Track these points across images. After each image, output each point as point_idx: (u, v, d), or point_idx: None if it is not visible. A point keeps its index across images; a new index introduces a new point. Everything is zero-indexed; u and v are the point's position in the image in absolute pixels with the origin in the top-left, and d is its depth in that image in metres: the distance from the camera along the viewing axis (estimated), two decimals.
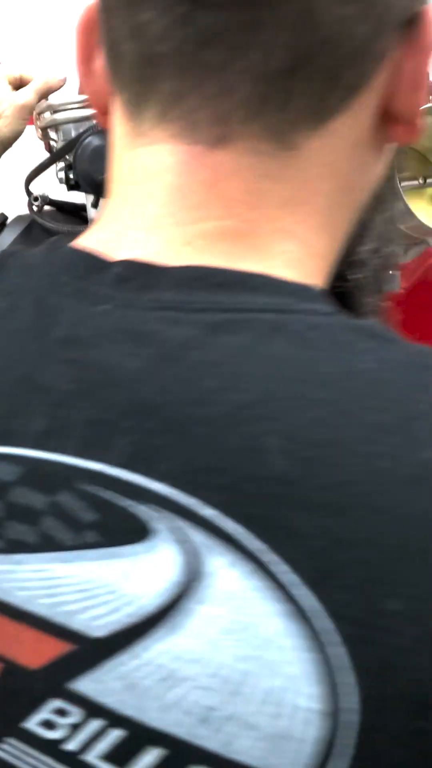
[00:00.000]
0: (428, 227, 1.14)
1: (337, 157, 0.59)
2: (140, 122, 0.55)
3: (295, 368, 0.47)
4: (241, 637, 0.40)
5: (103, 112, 0.59)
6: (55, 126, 1.35)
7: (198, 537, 0.41)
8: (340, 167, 0.60)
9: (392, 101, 0.60)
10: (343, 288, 0.70)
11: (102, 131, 1.26)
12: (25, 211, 1.37)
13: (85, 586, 0.43)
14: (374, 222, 0.71)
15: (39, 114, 1.37)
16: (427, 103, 0.88)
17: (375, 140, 0.62)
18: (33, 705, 0.45)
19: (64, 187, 1.37)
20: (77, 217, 1.40)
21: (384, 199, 0.70)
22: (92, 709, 0.43)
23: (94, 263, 0.53)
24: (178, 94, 0.53)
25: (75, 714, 0.44)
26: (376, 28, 0.58)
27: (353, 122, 0.60)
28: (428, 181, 1.22)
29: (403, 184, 1.20)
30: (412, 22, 0.60)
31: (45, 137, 1.40)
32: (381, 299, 0.76)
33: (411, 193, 1.22)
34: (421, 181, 1.22)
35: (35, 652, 0.44)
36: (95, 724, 0.43)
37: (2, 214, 1.40)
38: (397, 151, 1.00)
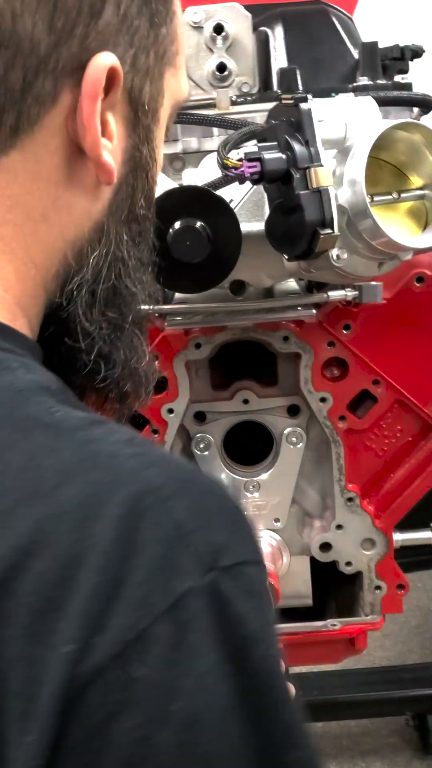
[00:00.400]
0: (397, 243, 1.15)
1: (19, 191, 0.68)
2: None
3: None
4: None
5: None
6: None
7: None
8: (26, 200, 0.68)
9: (81, 142, 0.67)
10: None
11: None
12: None
13: None
14: (118, 288, 0.77)
15: None
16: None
17: (72, 178, 0.70)
18: None
19: None
20: None
21: (132, 265, 0.77)
22: None
23: None
24: None
25: None
26: (32, 76, 0.65)
27: (30, 158, 0.68)
28: (402, 195, 1.22)
29: (377, 198, 1.21)
30: (81, 71, 0.67)
31: None
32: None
33: (385, 207, 1.23)
34: (395, 195, 1.22)
35: None
36: None
37: None
38: (370, 166, 1.05)
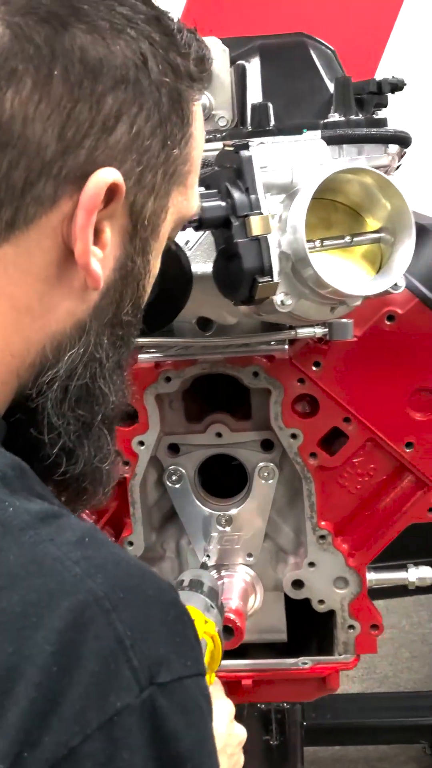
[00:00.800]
0: (341, 291, 1.14)
1: (7, 283, 0.71)
2: None
3: None
4: None
5: None
6: None
7: None
8: (12, 292, 0.71)
9: (72, 247, 0.68)
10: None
11: None
12: None
13: None
14: (91, 388, 0.79)
15: None
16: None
17: (60, 278, 0.73)
18: None
19: None
20: None
21: (108, 367, 0.79)
22: None
23: None
24: None
25: None
26: (34, 177, 0.66)
27: (22, 253, 0.71)
28: (356, 239, 1.20)
29: (327, 242, 1.19)
30: (84, 180, 0.69)
31: None
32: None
33: (340, 250, 1.21)
34: (348, 239, 1.20)
35: None
36: None
37: None
38: (325, 208, 1.06)
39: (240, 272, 1.12)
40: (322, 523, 1.54)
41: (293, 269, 1.17)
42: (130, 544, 1.57)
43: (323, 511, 1.54)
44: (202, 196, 1.12)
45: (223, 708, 1.22)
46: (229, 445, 1.55)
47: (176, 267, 1.18)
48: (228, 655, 1.59)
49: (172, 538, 1.62)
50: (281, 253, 1.17)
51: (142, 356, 1.48)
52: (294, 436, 1.50)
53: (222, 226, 1.13)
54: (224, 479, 1.59)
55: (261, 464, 1.54)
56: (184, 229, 1.16)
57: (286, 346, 1.48)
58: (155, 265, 0.84)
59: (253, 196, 1.11)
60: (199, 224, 1.12)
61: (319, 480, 1.52)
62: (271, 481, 1.54)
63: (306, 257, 1.12)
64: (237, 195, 1.12)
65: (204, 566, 1.54)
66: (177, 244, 1.19)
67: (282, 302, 1.18)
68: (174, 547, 1.62)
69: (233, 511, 1.57)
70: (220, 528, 1.57)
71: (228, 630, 1.46)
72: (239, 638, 1.46)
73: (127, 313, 0.81)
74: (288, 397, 1.48)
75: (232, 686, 1.59)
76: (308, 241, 1.18)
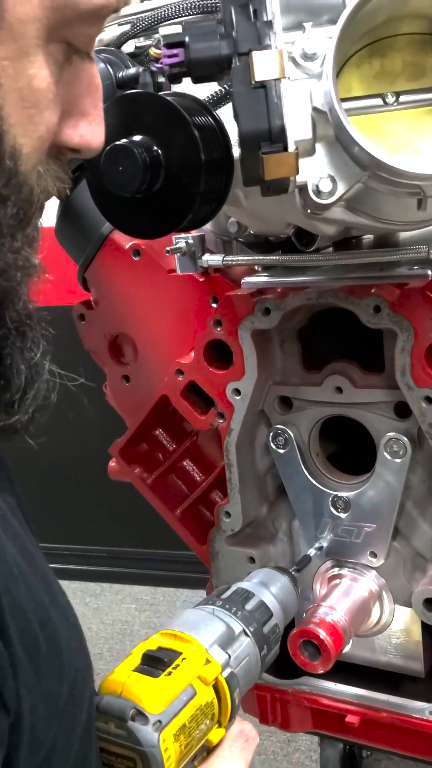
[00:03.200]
0: (400, 169, 0.72)
1: None
2: None
3: None
4: None
5: None
6: None
7: None
8: None
9: None
10: None
11: None
12: None
13: None
14: None
15: None
16: None
17: None
18: None
19: None
20: None
21: None
22: None
23: None
24: None
25: None
26: None
27: None
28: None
29: (409, 97, 0.78)
30: None
31: None
32: None
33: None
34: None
35: None
36: None
37: None
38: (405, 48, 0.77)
39: (240, 138, 0.75)
40: None
41: (338, 137, 0.77)
42: (227, 515, 1.26)
43: None
44: (193, 32, 0.77)
45: None
46: (350, 405, 1.16)
47: (186, 145, 0.84)
48: (335, 677, 1.22)
49: (285, 516, 1.27)
50: (316, 112, 0.77)
51: (246, 283, 1.15)
52: (429, 399, 1.06)
53: (221, 72, 0.77)
54: (368, 455, 1.20)
55: (390, 435, 1.12)
56: (173, 79, 0.82)
57: (430, 272, 1.05)
58: (21, 73, 0.56)
59: (259, 23, 0.74)
60: (189, 70, 0.77)
61: None
62: (401, 460, 1.12)
63: (337, 113, 0.72)
64: (242, 24, 0.75)
65: (305, 561, 1.18)
66: (182, 112, 0.84)
67: (318, 189, 0.78)
68: (287, 527, 1.27)
69: (350, 494, 1.18)
70: (335, 513, 1.20)
71: (313, 647, 1.10)
72: (327, 659, 1.09)
73: None
74: (421, 344, 1.05)
75: (332, 719, 1.22)
76: (376, 95, 0.77)
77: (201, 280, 1.22)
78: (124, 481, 1.40)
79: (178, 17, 1.01)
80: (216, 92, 0.94)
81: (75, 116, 0.61)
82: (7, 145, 0.55)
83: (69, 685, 0.59)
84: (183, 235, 1.18)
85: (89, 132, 0.61)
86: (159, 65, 0.82)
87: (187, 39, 0.76)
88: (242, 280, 1.18)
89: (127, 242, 1.26)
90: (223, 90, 0.93)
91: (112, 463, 1.39)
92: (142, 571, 3.26)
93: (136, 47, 1.10)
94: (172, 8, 1.00)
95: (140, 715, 0.79)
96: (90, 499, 3.09)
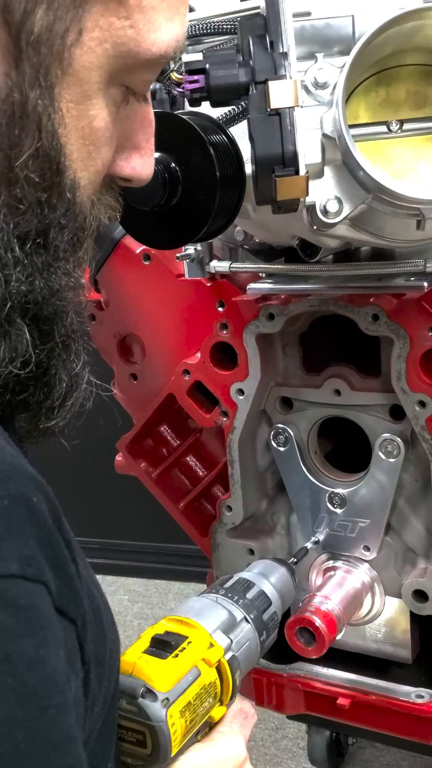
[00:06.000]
0: (402, 194, 0.78)
1: None
2: None
3: None
4: None
5: None
6: None
7: None
8: None
9: None
10: None
11: None
12: None
13: None
14: None
15: None
16: None
17: None
18: None
19: None
20: None
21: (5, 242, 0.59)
22: None
23: None
24: None
25: None
26: None
27: None
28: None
29: (412, 125, 0.84)
30: None
31: None
32: None
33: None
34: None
35: None
36: None
37: None
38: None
39: (255, 162, 0.82)
40: None
41: (345, 161, 0.83)
42: (229, 509, 1.32)
43: None
44: (213, 60, 0.83)
45: (230, 749, 0.92)
46: (348, 407, 1.22)
47: (202, 161, 0.90)
48: (327, 663, 1.29)
49: (283, 511, 1.34)
50: (325, 138, 0.83)
51: (252, 289, 1.21)
52: (422, 403, 1.13)
53: (238, 98, 0.83)
54: (364, 454, 1.27)
55: (385, 436, 1.19)
56: (193, 103, 0.89)
57: (425, 284, 1.11)
58: (83, 114, 0.61)
59: (276, 54, 0.80)
60: (209, 95, 0.83)
61: None
62: (394, 459, 1.19)
63: (345, 139, 0.78)
64: (259, 55, 0.81)
65: (302, 553, 1.25)
66: (197, 130, 0.90)
67: (325, 209, 0.85)
68: (285, 522, 1.34)
69: (345, 491, 1.25)
70: (331, 508, 1.26)
71: (308, 634, 1.17)
72: (321, 645, 1.16)
73: (25, 166, 0.60)
74: (416, 351, 1.12)
75: (324, 702, 1.29)
76: (381, 122, 0.83)
77: (208, 285, 1.28)
78: (125, 474, 1.46)
79: (193, 37, 1.07)
80: (228, 111, 1.00)
81: (128, 149, 0.66)
82: (68, 179, 0.60)
83: (108, 653, 0.65)
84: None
85: (140, 164, 0.67)
86: (181, 89, 0.87)
87: (207, 66, 0.82)
88: (248, 287, 1.24)
89: (138, 247, 1.32)
90: (235, 109, 0.99)
91: (118, 458, 1.46)
92: (135, 564, 3.32)
93: None
94: (189, 29, 1.06)
95: (150, 693, 0.85)
96: (83, 492, 3.15)
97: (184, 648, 0.93)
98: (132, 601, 3.26)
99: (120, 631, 0.74)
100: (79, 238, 0.63)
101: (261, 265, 1.21)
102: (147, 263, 1.32)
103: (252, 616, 1.04)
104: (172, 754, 0.84)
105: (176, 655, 0.91)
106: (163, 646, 0.92)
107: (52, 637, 0.53)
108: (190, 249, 1.24)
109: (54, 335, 0.63)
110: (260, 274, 1.26)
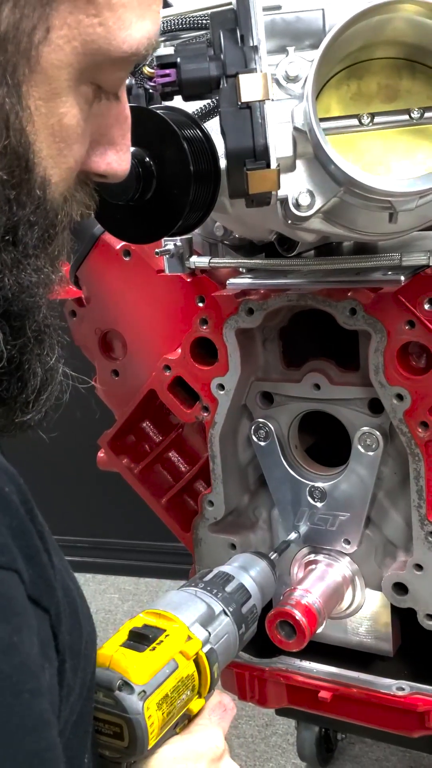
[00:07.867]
0: (369, 186, 0.78)
1: None
2: None
3: None
4: None
5: None
6: None
7: None
8: None
9: None
10: None
11: None
12: None
13: None
14: None
15: None
16: None
17: None
18: None
19: None
20: None
21: None
22: None
23: None
24: None
25: None
26: None
27: None
28: (428, 114, 0.83)
29: (382, 119, 0.84)
30: None
31: None
32: None
33: (405, 131, 0.85)
34: (417, 114, 0.84)
35: None
36: None
37: None
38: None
39: (226, 155, 0.82)
40: None
41: (317, 154, 0.84)
42: (210, 503, 1.32)
43: None
44: (185, 54, 0.83)
45: (208, 741, 0.92)
46: (327, 401, 1.23)
47: (176, 157, 0.91)
48: (309, 657, 1.30)
49: (265, 506, 1.34)
50: (297, 131, 0.84)
51: (232, 283, 1.21)
52: (400, 397, 1.14)
53: (210, 92, 0.83)
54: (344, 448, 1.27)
55: (364, 429, 1.20)
56: (165, 97, 0.89)
57: (402, 278, 1.12)
58: (53, 111, 0.61)
59: (246, 48, 0.80)
60: (180, 89, 0.84)
61: (429, 459, 1.14)
62: (373, 453, 1.19)
63: (316, 132, 0.79)
64: (229, 48, 0.81)
65: (283, 546, 1.25)
66: (172, 126, 0.91)
67: (298, 203, 0.85)
68: (266, 516, 1.34)
69: (325, 484, 1.25)
70: (312, 502, 1.27)
71: (289, 627, 1.17)
72: (302, 639, 1.16)
73: None
74: (393, 345, 1.12)
75: (306, 695, 1.30)
76: (352, 116, 0.83)
77: (188, 280, 1.28)
78: (110, 471, 1.47)
79: (169, 32, 1.07)
80: (203, 106, 1.01)
81: (103, 145, 0.66)
82: (37, 176, 0.60)
83: (83, 645, 0.65)
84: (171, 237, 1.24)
85: (116, 160, 0.67)
86: (152, 83, 0.88)
87: (178, 60, 0.82)
88: (227, 282, 1.24)
89: (118, 243, 1.32)
90: (210, 104, 1.00)
91: (100, 454, 1.46)
92: (126, 562, 3.32)
93: None
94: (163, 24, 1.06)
95: (126, 685, 0.86)
96: (73, 490, 3.15)
97: (162, 641, 0.93)
98: (122, 600, 3.26)
99: (110, 630, 0.74)
100: (50, 235, 0.63)
101: (240, 260, 1.21)
102: (127, 259, 1.33)
103: (231, 609, 1.04)
104: (150, 747, 0.84)
105: (153, 648, 0.91)
106: (141, 639, 0.92)
107: (25, 624, 0.53)
108: (170, 244, 1.25)
109: (26, 330, 0.63)
110: (240, 269, 1.26)
